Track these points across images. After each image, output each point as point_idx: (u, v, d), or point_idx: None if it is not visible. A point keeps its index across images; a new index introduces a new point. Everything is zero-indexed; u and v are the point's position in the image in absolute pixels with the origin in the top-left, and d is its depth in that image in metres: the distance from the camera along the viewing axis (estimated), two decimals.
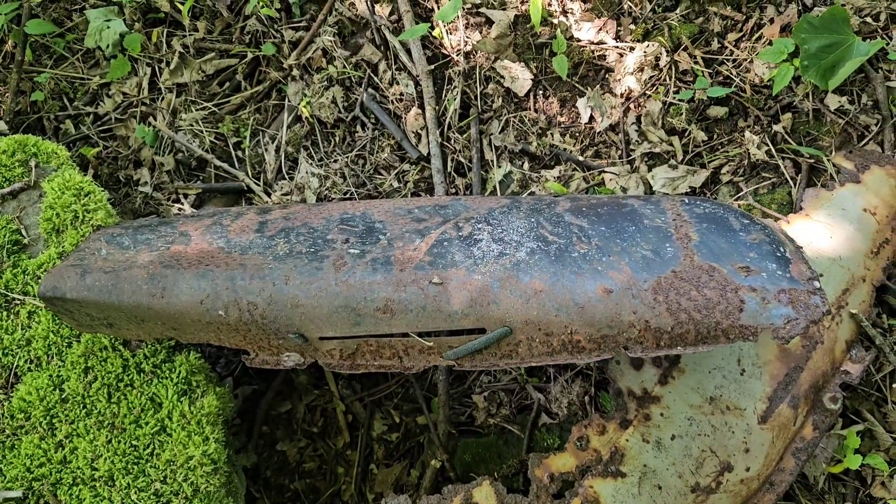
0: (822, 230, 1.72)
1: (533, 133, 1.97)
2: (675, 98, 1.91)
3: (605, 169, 1.91)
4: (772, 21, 1.90)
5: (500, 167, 1.96)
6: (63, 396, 1.52)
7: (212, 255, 1.52)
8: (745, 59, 1.91)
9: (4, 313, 1.60)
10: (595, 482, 1.49)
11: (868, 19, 1.85)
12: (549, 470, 1.51)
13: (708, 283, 1.39)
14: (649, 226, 1.54)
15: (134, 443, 1.48)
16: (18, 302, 1.62)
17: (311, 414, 1.85)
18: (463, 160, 1.96)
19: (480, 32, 2.01)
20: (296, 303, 1.43)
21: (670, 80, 1.93)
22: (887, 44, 1.83)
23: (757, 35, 1.92)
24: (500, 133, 1.97)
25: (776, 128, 1.87)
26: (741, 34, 1.94)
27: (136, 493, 1.44)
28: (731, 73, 1.92)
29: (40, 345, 1.57)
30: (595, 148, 1.96)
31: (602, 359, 1.37)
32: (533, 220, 1.56)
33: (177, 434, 1.48)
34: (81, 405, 1.51)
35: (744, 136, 1.89)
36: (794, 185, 1.83)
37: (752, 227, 1.56)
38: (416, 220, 1.60)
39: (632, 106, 1.95)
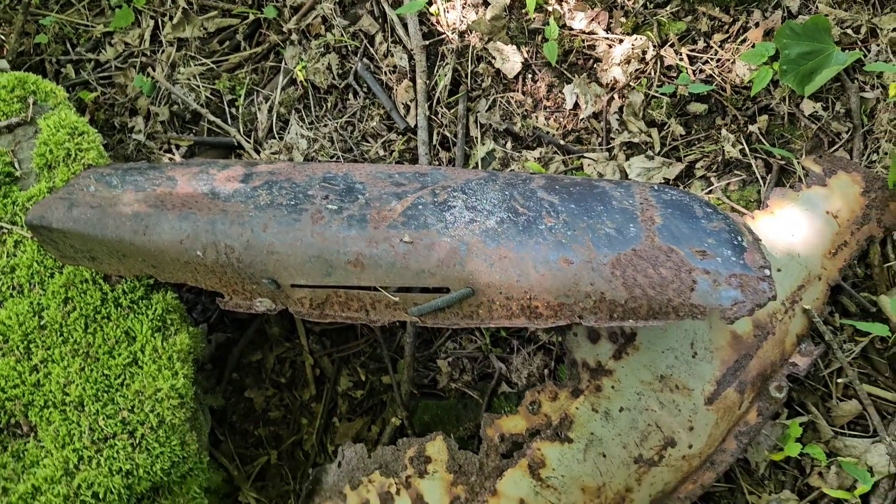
0: (784, 228, 1.78)
1: (518, 114, 2.04)
2: (657, 91, 1.98)
3: (585, 154, 1.98)
4: (757, 25, 1.97)
5: (483, 144, 2.02)
6: (41, 323, 1.58)
7: (195, 200, 1.58)
8: (728, 60, 1.98)
9: None
10: (543, 445, 1.56)
11: (849, 31, 1.92)
12: (500, 430, 1.58)
13: (664, 263, 1.46)
14: (617, 207, 1.61)
15: (106, 372, 1.54)
16: (6, 231, 1.68)
17: (280, 365, 1.92)
18: (448, 135, 2.03)
19: (476, 13, 2.07)
20: (271, 250, 1.49)
21: (655, 73, 2.00)
22: (864, 55, 1.90)
23: (742, 38, 1.99)
24: (486, 111, 2.04)
25: (752, 128, 1.94)
26: (727, 35, 2.01)
27: (104, 419, 1.50)
28: (714, 73, 1.98)
29: (23, 273, 1.63)
30: (577, 133, 2.02)
31: (557, 325, 1.44)
32: (507, 193, 1.63)
33: (147, 367, 1.54)
34: (58, 333, 1.57)
35: (720, 133, 1.95)
36: (764, 184, 1.90)
37: (714, 216, 1.63)
38: (396, 185, 1.66)
39: (616, 96, 2.01)
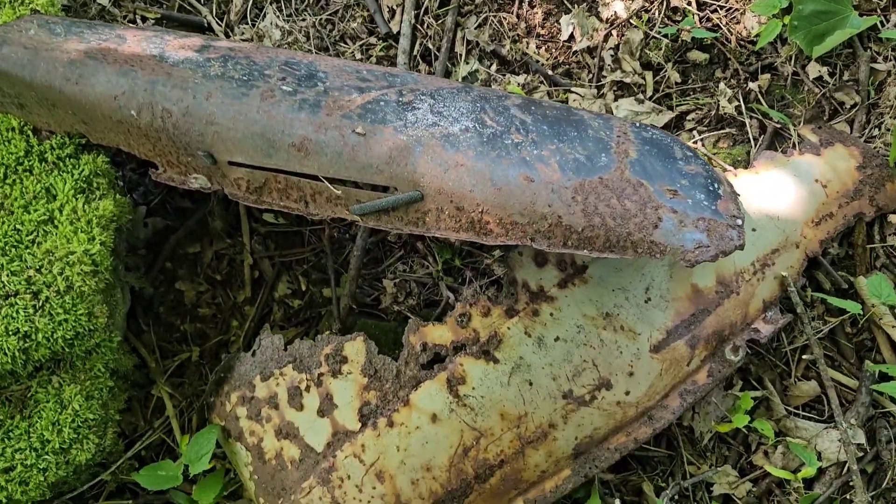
0: (766, 189, 1.67)
1: (508, 37, 1.91)
2: (658, 32, 1.85)
3: (572, 89, 1.85)
4: None
5: (467, 63, 1.89)
6: None
7: (141, 59, 1.45)
8: (738, 10, 1.85)
9: None
10: (466, 361, 1.46)
11: None
12: (423, 338, 1.48)
13: (631, 196, 1.35)
14: (592, 136, 1.49)
15: (18, 227, 1.42)
16: None
17: (217, 261, 1.80)
18: (432, 47, 1.90)
19: None
20: (211, 120, 1.37)
21: (659, 14, 1.87)
22: (882, 23, 1.77)
23: None
24: (475, 29, 1.91)
25: (752, 85, 1.82)
26: None
27: (7, 275, 1.39)
28: (721, 22, 1.86)
29: None
30: (567, 66, 1.89)
31: (506, 244, 1.33)
32: (478, 105, 1.51)
33: (63, 227, 1.43)
34: None
35: (718, 86, 1.83)
36: (755, 145, 1.78)
37: (693, 160, 1.51)
38: (361, 80, 1.54)
39: (614, 33, 1.89)
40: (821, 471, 1.63)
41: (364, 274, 1.79)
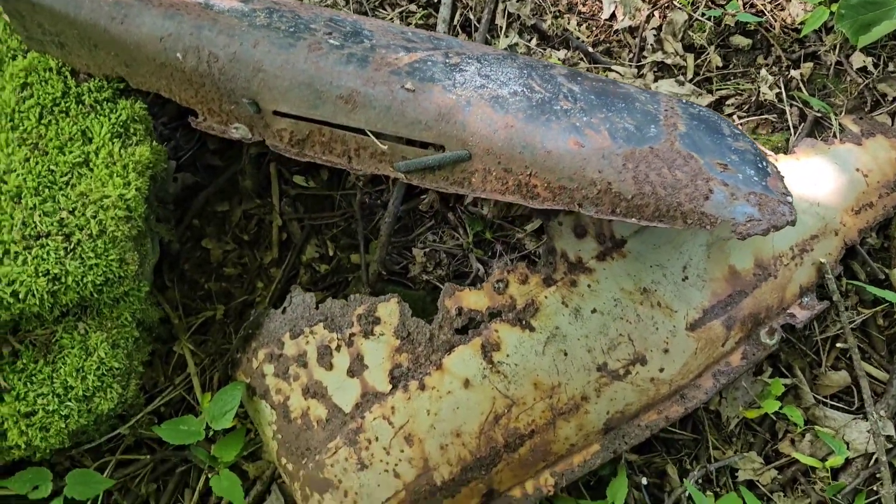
0: (807, 175, 1.66)
1: (550, 12, 1.89)
2: (703, 14, 1.83)
3: (612, 67, 1.83)
4: None
5: (507, 36, 1.87)
6: None
7: (186, 5, 1.42)
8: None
9: None
10: (502, 327, 1.43)
11: None
12: (459, 303, 1.45)
13: (682, 167, 1.33)
14: (639, 108, 1.47)
15: (52, 167, 1.39)
16: None
17: (246, 221, 1.78)
18: (472, 18, 1.88)
19: None
20: (259, 67, 1.35)
21: None
22: None
23: None
24: (517, 2, 1.89)
25: (794, 73, 1.80)
26: None
27: (40, 216, 1.36)
28: (766, 8, 1.84)
29: None
30: (608, 45, 1.87)
31: (553, 209, 1.31)
32: (525, 71, 1.48)
33: (99, 170, 1.40)
34: (9, 118, 1.42)
35: (759, 73, 1.81)
36: (794, 132, 1.77)
37: (741, 137, 1.49)
38: (407, 41, 1.51)
39: (657, 13, 1.87)
40: (847, 462, 1.61)
41: (394, 242, 1.76)
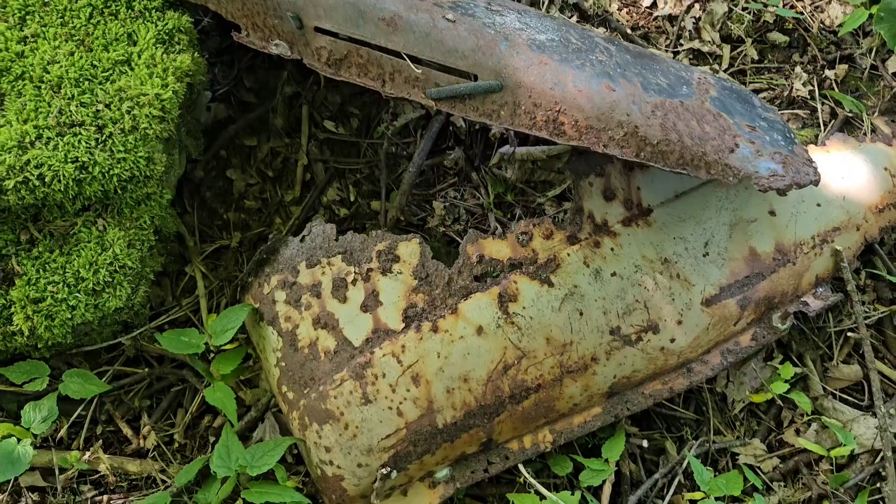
0: (836, 168, 1.66)
1: None
2: (743, 7, 1.86)
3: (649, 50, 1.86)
4: None
5: (548, 11, 1.91)
6: (45, 0, 1.47)
7: None
8: (825, 1, 1.86)
9: None
10: (521, 279, 1.43)
11: None
12: (481, 250, 1.45)
13: (710, 122, 1.34)
14: (673, 72, 1.49)
15: (95, 63, 1.42)
16: None
17: (272, 158, 1.79)
18: None
19: None
20: None
21: None
22: None
23: None
24: None
25: (828, 73, 1.82)
26: None
27: (77, 106, 1.38)
28: (805, 10, 1.86)
29: None
30: (646, 30, 1.90)
31: (580, 146, 1.31)
32: (563, 27, 1.51)
33: (139, 70, 1.42)
34: (60, 14, 1.46)
35: (794, 70, 1.83)
36: (824, 129, 1.77)
37: (771, 110, 1.51)
38: None
39: (698, 4, 1.90)
40: (853, 458, 1.58)
41: (415, 193, 1.77)
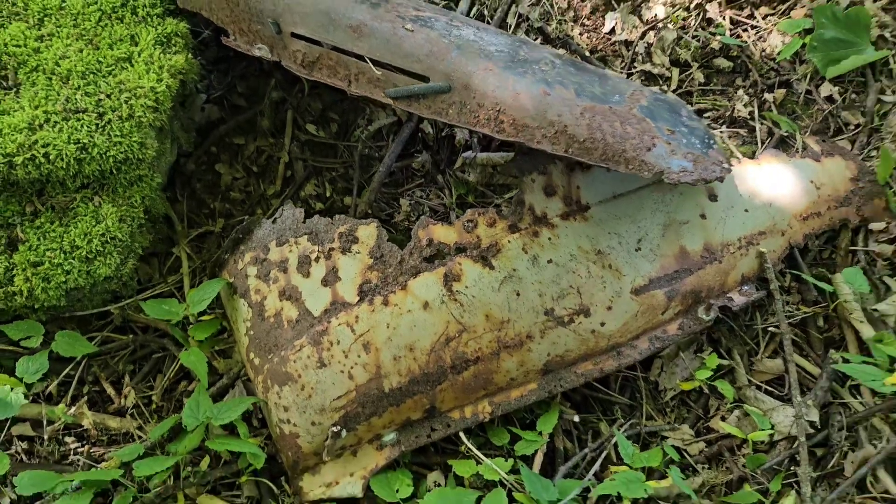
0: (765, 178, 1.81)
1: (556, 19, 2.12)
2: (692, 35, 2.04)
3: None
4: (802, 6, 2.03)
5: (515, 34, 2.10)
6: (61, 4, 1.69)
7: None
8: (765, 30, 2.04)
9: None
10: (465, 261, 1.59)
11: (887, 34, 1.97)
12: (430, 235, 1.62)
13: (633, 124, 1.51)
14: (610, 84, 1.66)
15: (101, 59, 1.63)
16: None
17: (257, 155, 1.99)
18: (486, 14, 2.12)
19: None
20: None
21: (695, 22, 2.07)
22: (892, 56, 1.94)
23: (786, 17, 2.05)
24: (529, 6, 2.13)
25: (767, 96, 1.99)
26: (772, 11, 2.07)
27: (82, 95, 1.59)
28: (749, 39, 2.05)
29: None
30: (604, 53, 2.09)
31: (517, 141, 1.48)
32: (517, 43, 1.69)
33: (138, 66, 1.63)
34: (73, 17, 1.68)
35: (737, 93, 2.01)
36: (761, 146, 1.94)
37: (697, 120, 1.67)
38: (419, 6, 1.74)
39: (651, 32, 2.09)
40: (772, 444, 1.70)
41: (384, 191, 1.95)
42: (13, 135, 1.53)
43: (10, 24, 1.66)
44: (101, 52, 1.64)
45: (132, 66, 1.64)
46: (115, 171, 1.60)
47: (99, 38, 1.66)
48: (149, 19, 1.70)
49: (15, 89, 1.61)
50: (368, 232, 1.63)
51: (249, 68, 2.03)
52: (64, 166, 1.55)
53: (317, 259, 1.63)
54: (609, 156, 1.46)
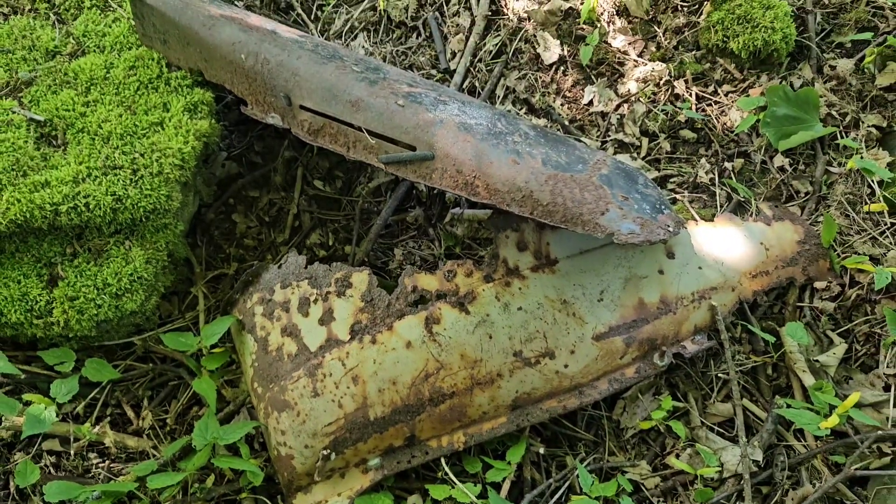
0: (719, 238, 2.02)
1: (540, 91, 2.37)
2: (660, 109, 2.28)
3: (581, 139, 2.28)
4: (760, 86, 2.27)
5: (502, 104, 2.35)
6: (106, 75, 1.97)
7: (258, 28, 1.96)
8: (727, 107, 2.28)
9: (100, 12, 2.08)
10: (444, 307, 1.81)
11: (834, 113, 2.19)
12: (415, 282, 1.84)
13: (591, 191, 1.73)
14: (576, 154, 1.90)
15: (137, 123, 1.90)
16: (112, 9, 2.09)
17: (270, 207, 2.24)
18: (478, 86, 2.38)
19: (538, 6, 2.45)
20: (296, 72, 1.84)
21: (664, 97, 2.31)
22: (841, 134, 2.16)
23: (746, 94, 2.29)
24: (515, 80, 2.38)
25: (727, 165, 2.21)
26: (734, 89, 2.31)
27: (120, 154, 1.85)
28: (712, 113, 2.28)
29: (110, 40, 2.03)
30: (581, 122, 2.33)
31: (489, 205, 1.72)
32: (496, 116, 1.94)
33: (168, 130, 1.89)
34: (115, 86, 1.95)
35: (700, 161, 2.23)
36: (719, 210, 2.15)
37: (651, 188, 1.89)
38: (413, 82, 2.00)
39: (624, 105, 2.33)
40: (722, 481, 1.87)
41: (380, 242, 2.19)
42: (60, 187, 1.79)
43: (62, 90, 1.94)
44: (138, 116, 1.91)
45: (163, 129, 1.90)
46: (144, 220, 1.86)
47: (136, 105, 1.93)
48: (180, 89, 1.97)
49: (63, 147, 1.88)
50: (361, 278, 1.86)
51: (266, 130, 2.29)
52: (101, 215, 1.81)
53: (315, 301, 1.86)
54: (568, 218, 1.68)
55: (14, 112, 1.88)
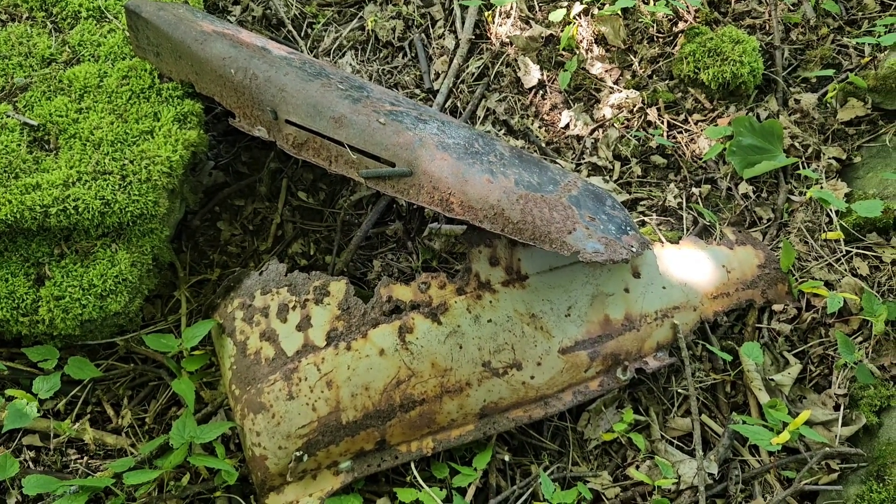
0: (682, 260, 2.12)
1: (519, 114, 2.47)
2: (632, 135, 2.39)
3: (557, 160, 2.38)
4: (728, 116, 2.38)
5: (482, 125, 2.45)
6: (99, 83, 2.04)
7: (248, 45, 2.04)
8: (696, 134, 2.38)
9: (96, 23, 2.16)
10: (417, 317, 1.89)
11: (797, 145, 2.30)
12: (390, 292, 1.92)
13: (560, 211, 1.82)
14: (548, 176, 1.99)
15: (128, 130, 1.97)
16: (108, 20, 2.17)
17: (254, 216, 2.31)
18: (459, 106, 2.47)
19: (521, 31, 2.56)
20: (283, 87, 1.92)
21: (636, 124, 2.41)
22: (804, 165, 2.27)
23: (714, 123, 2.40)
24: (496, 102, 2.48)
25: (695, 190, 2.31)
26: (704, 118, 2.42)
27: (109, 160, 1.92)
28: (681, 140, 2.39)
29: (105, 50, 2.11)
30: (558, 145, 2.43)
31: (463, 221, 1.80)
32: (474, 136, 2.03)
33: (158, 139, 1.97)
34: (108, 94, 2.03)
35: (669, 186, 2.33)
36: (686, 232, 2.25)
37: (619, 209, 1.99)
38: (396, 101, 2.09)
39: (599, 130, 2.43)
40: (679, 493, 1.96)
41: (360, 253, 2.27)
42: (50, 189, 1.86)
43: (56, 97, 2.01)
44: (129, 124, 1.98)
45: (153, 137, 1.97)
46: (131, 224, 1.92)
47: (128, 114, 2.00)
48: (170, 100, 2.05)
49: (55, 152, 1.95)
50: (339, 287, 1.93)
51: (253, 142, 2.37)
52: (89, 218, 1.87)
53: (293, 308, 1.93)
54: (537, 236, 1.77)
55: (8, 116, 1.95)
